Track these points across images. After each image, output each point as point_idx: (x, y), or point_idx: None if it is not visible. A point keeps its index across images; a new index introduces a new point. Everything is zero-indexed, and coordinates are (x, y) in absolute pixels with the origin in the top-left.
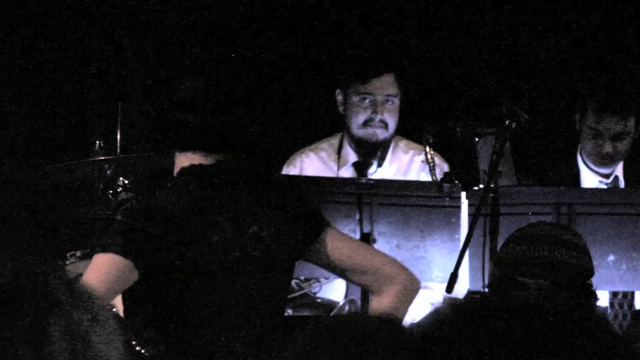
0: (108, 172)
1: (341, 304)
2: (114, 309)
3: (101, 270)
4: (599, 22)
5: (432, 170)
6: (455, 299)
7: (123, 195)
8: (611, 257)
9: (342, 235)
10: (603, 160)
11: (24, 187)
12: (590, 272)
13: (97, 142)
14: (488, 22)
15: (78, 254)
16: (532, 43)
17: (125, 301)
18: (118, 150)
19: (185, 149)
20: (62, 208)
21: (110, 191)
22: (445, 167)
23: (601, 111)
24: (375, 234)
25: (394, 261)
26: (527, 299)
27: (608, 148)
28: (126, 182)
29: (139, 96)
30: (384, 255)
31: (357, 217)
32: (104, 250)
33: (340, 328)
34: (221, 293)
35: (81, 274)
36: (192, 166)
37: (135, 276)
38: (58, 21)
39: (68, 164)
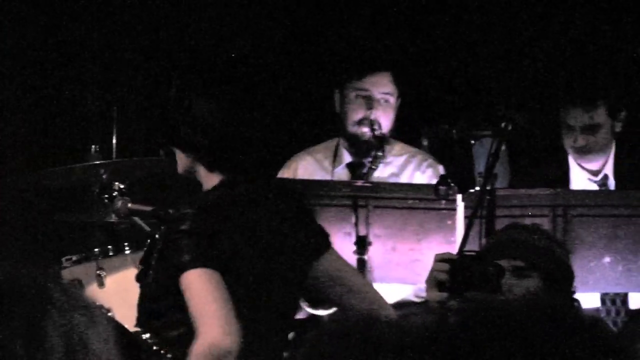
0: (104, 176)
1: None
2: (110, 313)
3: (208, 290)
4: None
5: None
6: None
7: (183, 210)
8: (607, 259)
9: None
10: (578, 153)
11: (19, 190)
12: (559, 258)
13: (93, 146)
14: (482, 25)
15: (74, 258)
16: (527, 43)
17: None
18: (114, 154)
19: (211, 169)
20: (57, 212)
21: (106, 196)
22: (441, 170)
23: (567, 104)
24: (371, 237)
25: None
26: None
27: (580, 141)
28: (122, 186)
29: (135, 101)
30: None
31: (353, 219)
32: (193, 267)
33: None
34: (261, 299)
35: (78, 279)
36: (230, 182)
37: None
38: (57, 24)
39: (64, 168)
